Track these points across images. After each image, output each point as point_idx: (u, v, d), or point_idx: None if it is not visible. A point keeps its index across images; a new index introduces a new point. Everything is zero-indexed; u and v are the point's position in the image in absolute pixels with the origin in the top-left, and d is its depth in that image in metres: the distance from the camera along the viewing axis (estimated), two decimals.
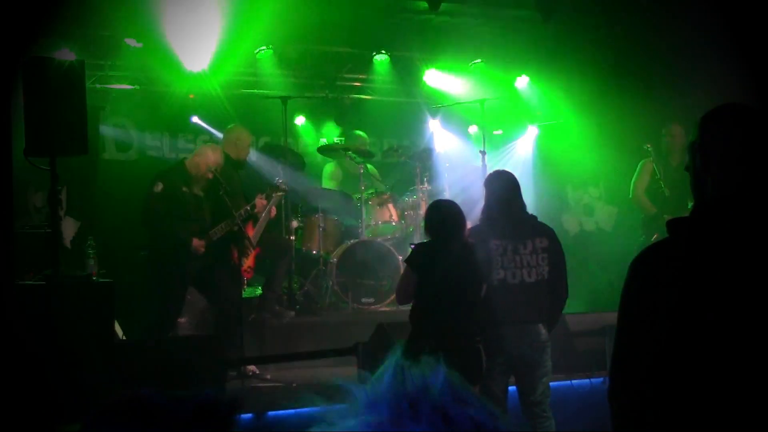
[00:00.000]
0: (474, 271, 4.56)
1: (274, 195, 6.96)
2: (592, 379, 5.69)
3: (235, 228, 6.38)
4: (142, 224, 6.40)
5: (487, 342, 4.61)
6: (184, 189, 6.34)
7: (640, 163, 7.59)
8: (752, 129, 2.00)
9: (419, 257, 4.61)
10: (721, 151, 2.01)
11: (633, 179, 7.64)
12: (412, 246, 4.96)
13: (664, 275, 1.93)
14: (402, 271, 7.67)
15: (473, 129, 9.48)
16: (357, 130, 8.99)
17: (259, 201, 6.73)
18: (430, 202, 8.01)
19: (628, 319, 1.98)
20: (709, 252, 1.90)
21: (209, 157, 6.47)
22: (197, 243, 6.27)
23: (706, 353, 1.86)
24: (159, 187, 6.24)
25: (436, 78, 9.36)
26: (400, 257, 7.83)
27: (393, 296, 7.71)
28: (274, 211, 7.25)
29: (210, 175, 6.40)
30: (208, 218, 6.45)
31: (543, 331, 4.74)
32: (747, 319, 1.85)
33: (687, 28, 7.60)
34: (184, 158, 6.71)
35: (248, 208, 6.61)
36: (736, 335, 1.85)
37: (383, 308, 7.70)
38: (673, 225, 2.01)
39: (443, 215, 4.62)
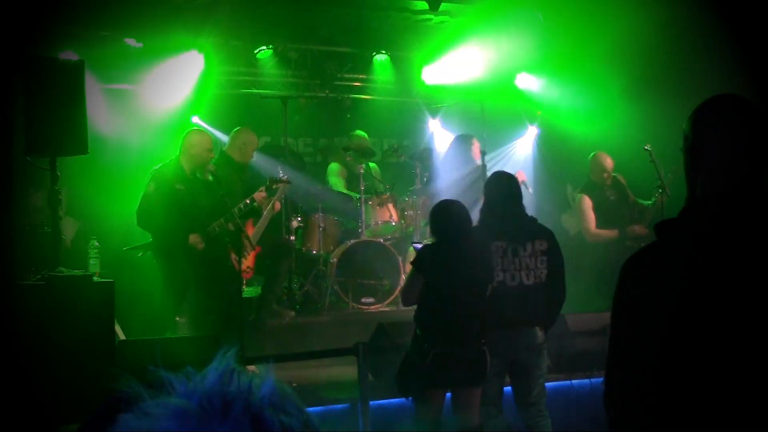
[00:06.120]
0: (480, 273, 4.55)
1: (274, 187, 6.94)
2: (592, 379, 5.68)
3: (233, 227, 6.36)
4: (138, 225, 6.41)
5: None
6: (178, 186, 6.32)
7: (577, 200, 7.70)
8: (742, 125, 1.97)
9: (426, 259, 4.59)
10: (710, 149, 1.98)
11: (579, 221, 7.69)
12: (415, 245, 4.94)
13: (654, 277, 1.92)
14: (405, 271, 7.73)
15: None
16: (358, 130, 9.00)
17: (259, 193, 6.69)
18: (431, 202, 8.06)
19: (621, 322, 1.97)
20: (698, 252, 1.89)
21: (198, 142, 6.44)
22: (195, 239, 6.27)
23: (701, 353, 1.86)
24: (151, 186, 6.24)
25: (435, 78, 9.37)
26: (400, 257, 7.83)
27: (393, 296, 7.73)
28: (278, 206, 7.23)
29: (212, 155, 6.42)
30: (206, 215, 6.43)
31: (539, 333, 4.73)
32: (740, 319, 1.84)
33: (687, 27, 7.59)
34: (177, 155, 6.65)
35: (247, 201, 6.60)
36: (730, 335, 1.85)
37: (383, 308, 7.71)
38: (661, 227, 1.99)
39: (449, 216, 4.59)
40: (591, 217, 7.52)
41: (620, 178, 7.65)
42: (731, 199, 1.94)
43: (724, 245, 1.88)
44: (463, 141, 7.76)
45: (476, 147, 7.80)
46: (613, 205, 7.57)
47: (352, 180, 8.45)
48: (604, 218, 7.52)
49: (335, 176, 8.69)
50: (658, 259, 1.95)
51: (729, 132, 1.98)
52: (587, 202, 7.55)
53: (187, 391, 0.89)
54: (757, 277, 1.85)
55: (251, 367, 6.28)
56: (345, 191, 8.46)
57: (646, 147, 7.45)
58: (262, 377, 0.92)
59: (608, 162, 7.57)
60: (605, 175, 7.56)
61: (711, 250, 1.89)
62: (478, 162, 7.78)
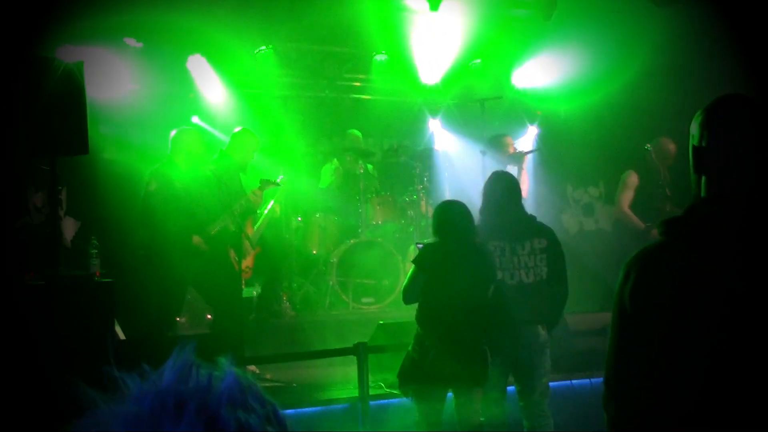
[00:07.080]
0: (482, 272, 4.55)
1: (266, 189, 6.91)
2: (592, 379, 5.68)
3: (233, 227, 6.35)
4: (140, 224, 6.39)
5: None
6: (177, 185, 6.31)
7: (624, 175, 7.44)
8: (749, 126, 1.96)
9: (427, 257, 4.59)
10: (717, 149, 1.97)
11: (617, 193, 7.50)
12: (418, 245, 4.93)
13: (656, 276, 1.91)
14: (405, 271, 7.73)
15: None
16: (352, 129, 9.00)
17: (254, 197, 6.68)
18: (431, 202, 8.06)
19: (621, 321, 1.96)
20: (701, 251, 1.89)
21: (193, 140, 6.45)
22: (198, 239, 6.26)
23: (702, 354, 1.85)
24: (153, 185, 6.23)
25: (435, 77, 9.37)
26: (400, 257, 7.84)
27: (393, 296, 7.73)
28: (278, 209, 7.22)
29: (203, 148, 6.43)
30: (206, 215, 6.42)
31: (542, 332, 4.73)
32: (742, 319, 1.84)
33: (689, 25, 7.59)
34: (170, 156, 6.60)
35: (242, 202, 6.59)
36: (732, 336, 1.84)
37: (383, 308, 7.70)
38: (664, 225, 1.99)
39: (451, 216, 4.60)
40: (629, 194, 7.28)
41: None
42: (736, 199, 1.93)
43: (727, 245, 1.88)
44: (495, 142, 7.57)
45: (509, 143, 7.57)
46: (655, 194, 7.29)
47: (351, 180, 8.45)
48: (640, 202, 7.27)
49: (329, 177, 8.67)
50: (660, 258, 1.94)
51: (736, 132, 1.97)
52: (633, 179, 7.31)
53: (141, 393, 0.87)
54: (759, 278, 1.85)
55: (251, 367, 6.30)
56: (330, 182, 8.46)
57: (646, 146, 7.44)
58: (223, 371, 0.89)
59: (672, 147, 7.29)
60: (670, 161, 7.29)
61: (714, 250, 1.88)
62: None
